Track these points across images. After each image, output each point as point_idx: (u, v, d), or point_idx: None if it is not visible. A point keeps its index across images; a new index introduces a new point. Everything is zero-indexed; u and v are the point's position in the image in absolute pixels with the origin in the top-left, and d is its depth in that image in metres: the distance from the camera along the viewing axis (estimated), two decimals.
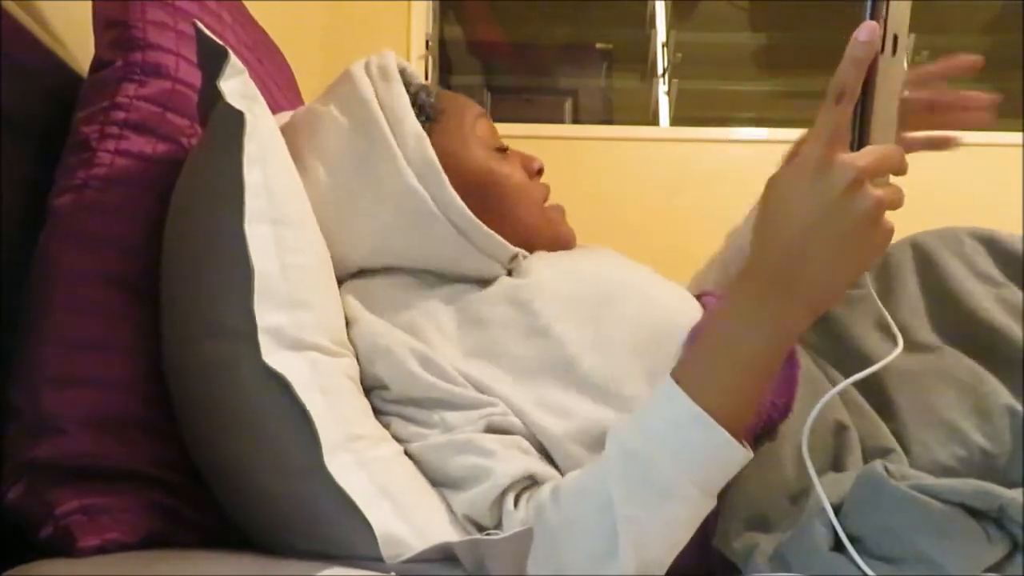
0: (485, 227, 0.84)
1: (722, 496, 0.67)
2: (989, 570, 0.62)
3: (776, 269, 0.61)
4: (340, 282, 0.85)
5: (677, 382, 0.64)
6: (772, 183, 0.62)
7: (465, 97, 0.93)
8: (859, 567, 0.61)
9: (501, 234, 0.85)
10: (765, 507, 0.71)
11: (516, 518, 0.68)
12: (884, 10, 0.59)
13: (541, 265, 0.86)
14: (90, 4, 0.84)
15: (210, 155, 0.74)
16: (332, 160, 0.84)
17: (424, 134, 0.84)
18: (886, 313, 0.69)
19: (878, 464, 0.65)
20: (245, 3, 1.09)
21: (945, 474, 0.70)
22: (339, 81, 0.88)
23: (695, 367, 0.65)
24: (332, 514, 0.64)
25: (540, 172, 0.94)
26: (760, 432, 0.74)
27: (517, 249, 0.87)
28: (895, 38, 0.60)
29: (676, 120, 2.39)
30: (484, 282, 0.85)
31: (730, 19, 2.84)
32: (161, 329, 0.73)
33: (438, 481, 0.73)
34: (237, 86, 0.73)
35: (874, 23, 0.58)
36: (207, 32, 0.74)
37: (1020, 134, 2.10)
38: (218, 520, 0.72)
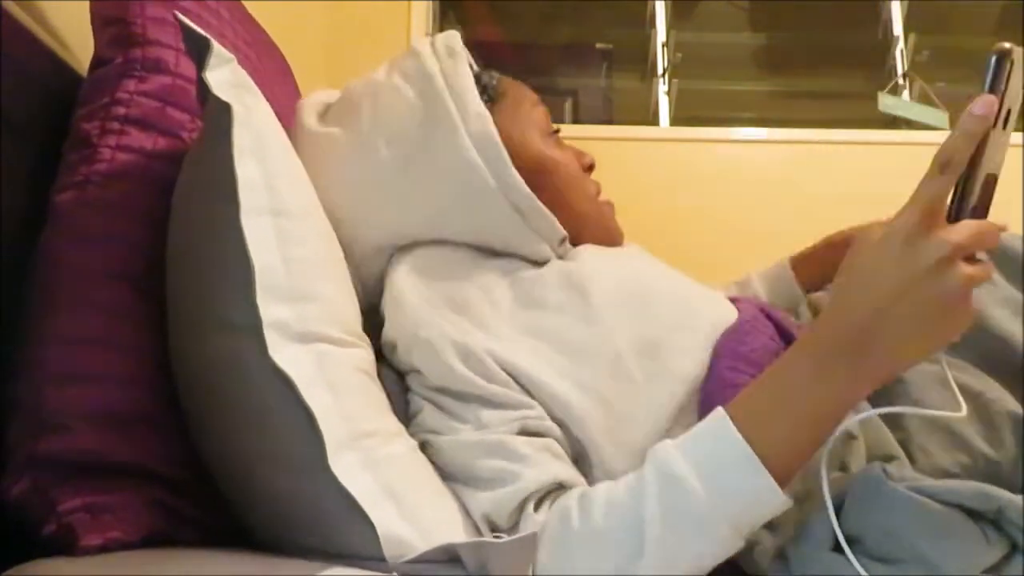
0: (542, 206, 0.85)
1: None
2: (987, 571, 0.62)
3: (853, 332, 0.59)
4: (387, 252, 0.86)
5: (732, 419, 0.62)
6: (862, 243, 0.60)
7: (523, 84, 0.95)
8: (856, 568, 0.61)
9: None
10: None
11: (534, 521, 0.67)
12: (1003, 83, 0.56)
13: (591, 254, 0.87)
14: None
15: (203, 148, 0.74)
16: (393, 130, 0.84)
17: (487, 112, 0.85)
18: (952, 381, 0.66)
19: (877, 465, 0.65)
20: (246, 3, 1.09)
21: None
22: (404, 56, 0.90)
23: (753, 409, 0.63)
24: (335, 514, 0.64)
25: (591, 168, 0.95)
26: None
27: (565, 232, 0.88)
28: (1008, 112, 0.57)
29: (676, 120, 2.38)
30: (535, 262, 0.86)
31: (730, 19, 2.84)
32: (166, 324, 0.73)
33: (462, 478, 0.72)
34: (225, 76, 0.73)
35: (992, 97, 0.56)
36: (188, 22, 0.74)
37: (1021, 134, 2.10)
38: (221, 518, 0.72)
